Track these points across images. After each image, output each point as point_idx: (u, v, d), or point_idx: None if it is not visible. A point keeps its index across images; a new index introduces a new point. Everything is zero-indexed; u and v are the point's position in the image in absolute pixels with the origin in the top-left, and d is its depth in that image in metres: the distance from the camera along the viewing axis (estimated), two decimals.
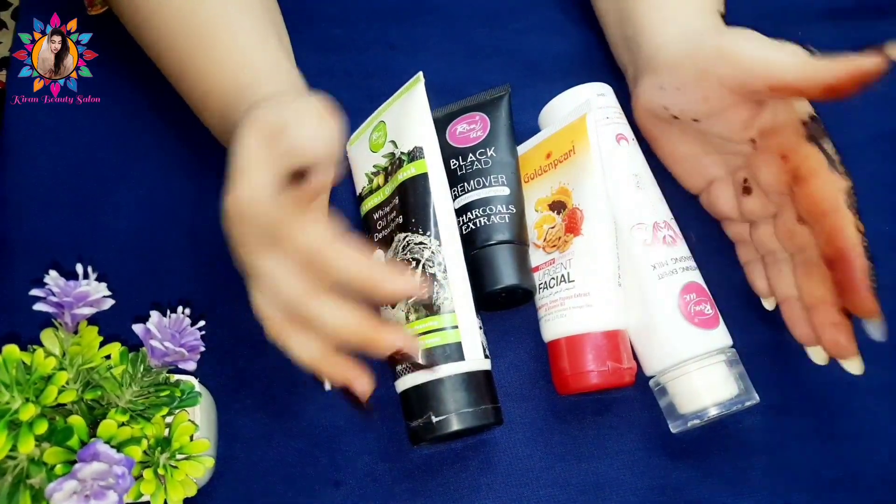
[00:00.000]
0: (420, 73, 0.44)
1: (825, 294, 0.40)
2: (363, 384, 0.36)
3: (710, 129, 0.43)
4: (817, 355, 0.41)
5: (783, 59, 0.38)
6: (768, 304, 0.45)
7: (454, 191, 0.45)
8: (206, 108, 0.46)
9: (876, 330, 0.38)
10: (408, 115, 0.44)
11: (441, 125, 0.47)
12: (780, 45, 0.39)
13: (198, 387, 0.39)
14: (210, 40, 0.45)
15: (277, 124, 0.36)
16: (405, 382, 0.40)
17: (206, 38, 0.45)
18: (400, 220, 0.42)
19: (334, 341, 0.36)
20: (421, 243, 0.41)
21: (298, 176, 0.34)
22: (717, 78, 0.41)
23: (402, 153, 0.44)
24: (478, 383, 0.40)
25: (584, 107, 0.45)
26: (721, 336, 0.41)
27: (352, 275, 0.35)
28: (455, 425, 0.39)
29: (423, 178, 0.42)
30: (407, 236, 0.42)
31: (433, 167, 0.42)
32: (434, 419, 0.39)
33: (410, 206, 0.42)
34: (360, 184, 0.47)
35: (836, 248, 0.38)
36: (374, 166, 0.46)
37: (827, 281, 0.40)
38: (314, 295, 0.36)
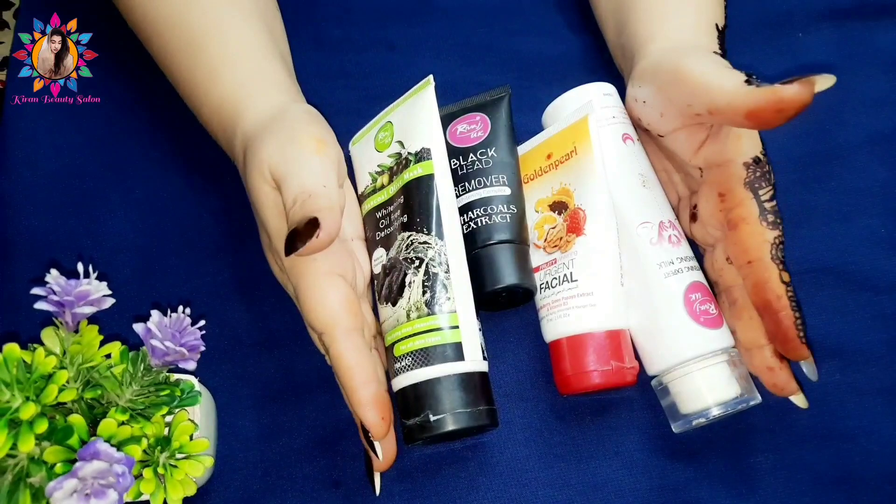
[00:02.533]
0: (430, 76, 0.44)
1: (757, 338, 0.40)
2: (378, 461, 0.39)
3: (670, 146, 0.44)
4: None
5: (719, 83, 0.37)
6: None
7: (455, 190, 0.45)
8: (201, 116, 0.47)
9: (810, 371, 0.39)
10: (416, 117, 0.44)
11: (441, 125, 0.47)
12: (725, 71, 0.38)
13: (198, 386, 0.39)
14: (200, 45, 0.45)
15: (277, 177, 0.39)
16: (402, 380, 0.40)
17: (196, 41, 0.45)
18: (404, 219, 0.42)
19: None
20: (425, 243, 0.41)
21: (301, 232, 0.36)
22: (669, 95, 0.41)
23: (409, 153, 0.44)
24: (476, 384, 0.40)
25: (586, 108, 0.45)
26: (724, 336, 0.41)
27: (338, 376, 0.39)
28: (452, 425, 0.39)
29: (430, 178, 0.42)
30: (411, 235, 0.42)
31: (440, 168, 0.42)
32: (432, 418, 0.39)
33: (416, 205, 0.42)
34: (363, 183, 0.47)
35: (763, 300, 0.39)
36: (379, 166, 0.46)
37: (757, 324, 0.40)
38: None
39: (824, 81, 0.34)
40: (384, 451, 0.39)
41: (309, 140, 0.40)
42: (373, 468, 0.40)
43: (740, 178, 0.40)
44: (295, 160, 0.39)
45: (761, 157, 0.40)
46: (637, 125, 0.47)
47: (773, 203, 0.39)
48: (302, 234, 0.36)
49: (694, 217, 0.44)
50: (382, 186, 0.45)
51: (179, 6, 0.46)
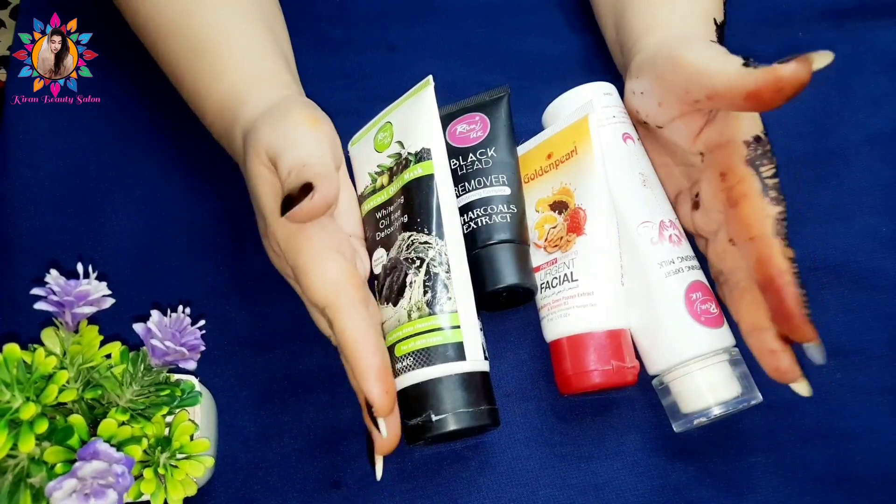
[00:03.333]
0: (430, 77, 0.44)
1: (760, 320, 0.39)
2: (382, 441, 0.38)
3: (669, 137, 0.44)
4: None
5: (718, 68, 0.37)
6: None
7: (455, 190, 0.45)
8: (204, 114, 0.47)
9: (816, 353, 0.38)
10: (416, 117, 0.44)
11: (441, 125, 0.47)
12: (722, 56, 0.38)
13: (198, 386, 0.39)
14: (204, 44, 0.45)
15: (272, 154, 0.39)
16: (404, 381, 0.40)
17: (201, 44, 0.45)
18: (405, 219, 0.42)
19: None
20: (426, 243, 0.41)
21: (295, 197, 0.36)
22: (667, 84, 0.41)
23: (408, 154, 0.44)
24: (478, 384, 0.40)
25: (586, 107, 0.45)
26: (725, 335, 0.41)
27: (342, 349, 0.38)
28: (454, 424, 0.39)
29: (430, 178, 0.42)
30: (411, 235, 0.42)
31: (440, 168, 0.42)
32: (434, 418, 0.39)
33: (416, 205, 0.42)
34: (362, 183, 0.47)
35: (766, 276, 0.37)
36: (379, 166, 0.46)
37: (761, 306, 0.39)
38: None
39: (822, 59, 0.34)
40: (388, 430, 0.38)
41: (302, 117, 0.40)
42: (374, 450, 0.39)
43: (741, 157, 0.39)
44: (288, 136, 0.39)
45: (762, 135, 0.39)
46: (635, 119, 0.47)
47: (776, 180, 0.38)
48: (297, 197, 0.36)
49: (696, 205, 0.43)
50: (382, 187, 0.45)
51: (183, 10, 0.46)
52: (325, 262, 0.38)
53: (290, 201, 0.36)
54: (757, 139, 0.39)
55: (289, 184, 0.37)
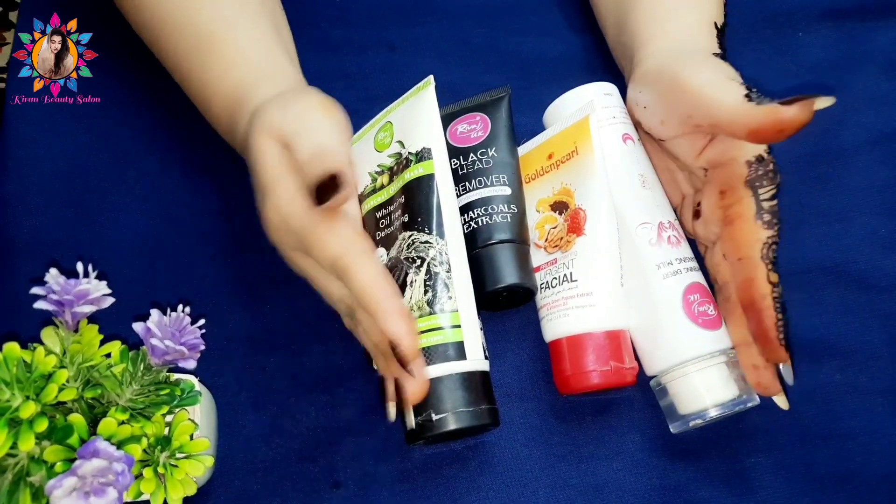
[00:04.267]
0: (431, 77, 0.44)
1: (746, 335, 0.40)
2: (413, 388, 0.38)
3: (671, 150, 0.44)
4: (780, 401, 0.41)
5: (720, 99, 0.38)
6: None
7: (455, 190, 0.45)
8: (210, 108, 0.46)
9: (787, 374, 0.39)
10: (417, 117, 0.44)
11: (441, 125, 0.47)
12: (726, 84, 0.38)
13: (198, 386, 0.39)
14: (211, 41, 0.45)
15: (286, 133, 0.39)
16: None
17: (207, 38, 0.45)
18: (405, 218, 0.42)
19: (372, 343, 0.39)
20: (426, 242, 0.41)
21: (324, 186, 0.36)
22: (669, 105, 0.41)
23: (409, 153, 0.44)
24: (479, 383, 0.40)
25: (587, 108, 0.45)
26: (723, 337, 0.41)
27: (359, 297, 0.37)
28: (455, 424, 0.39)
29: (430, 178, 0.42)
30: (412, 235, 0.42)
31: (441, 168, 0.42)
32: (434, 417, 0.39)
33: (417, 205, 0.42)
34: (362, 183, 0.47)
35: (749, 297, 0.39)
36: (379, 166, 0.46)
37: (745, 323, 0.40)
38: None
39: (824, 102, 0.35)
40: (417, 374, 0.37)
41: (316, 102, 0.40)
42: (394, 401, 0.39)
43: (741, 176, 0.40)
44: (304, 119, 0.39)
45: (765, 155, 0.40)
46: (637, 127, 0.47)
47: (773, 203, 0.39)
48: (327, 187, 0.36)
49: (697, 214, 0.43)
50: (382, 186, 0.45)
51: (187, 8, 0.46)
52: (335, 221, 0.38)
53: (323, 189, 0.36)
54: (759, 159, 0.39)
55: (314, 172, 0.37)
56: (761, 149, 0.40)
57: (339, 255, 0.37)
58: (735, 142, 0.40)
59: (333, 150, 0.38)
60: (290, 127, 0.39)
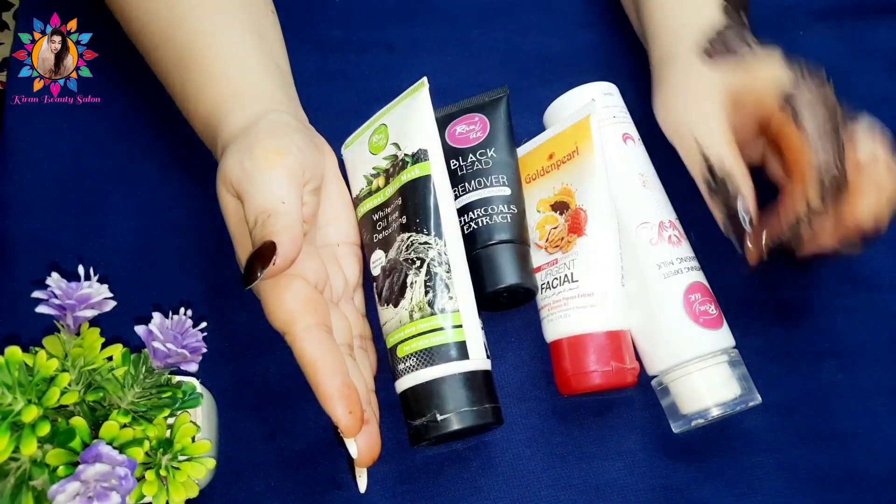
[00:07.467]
0: (424, 78, 0.44)
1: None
2: (358, 459, 0.38)
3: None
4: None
5: (709, 145, 0.43)
6: None
7: (455, 191, 0.45)
8: (193, 124, 0.47)
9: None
10: (412, 118, 0.44)
11: (440, 126, 0.47)
12: (706, 125, 0.43)
13: (199, 388, 0.39)
14: (191, 56, 0.45)
15: (240, 190, 0.39)
16: (407, 381, 0.40)
17: (187, 53, 0.45)
18: (403, 220, 0.42)
19: None
20: (426, 243, 0.41)
21: (260, 255, 0.37)
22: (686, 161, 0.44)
23: (405, 155, 0.44)
24: (481, 382, 0.40)
25: (588, 108, 0.45)
26: (724, 336, 0.41)
27: (303, 370, 0.38)
28: (460, 423, 0.39)
29: (427, 179, 0.42)
30: (411, 236, 0.42)
31: (437, 169, 0.42)
32: (438, 417, 0.39)
33: (414, 206, 0.42)
34: (357, 186, 0.47)
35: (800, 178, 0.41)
36: (374, 168, 0.46)
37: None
38: None
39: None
40: (361, 448, 0.38)
41: (265, 153, 0.39)
42: (354, 466, 0.39)
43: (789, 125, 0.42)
44: (251, 176, 0.39)
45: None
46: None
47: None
48: (262, 257, 0.36)
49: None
50: (379, 188, 0.45)
51: (173, 20, 0.46)
52: (283, 290, 0.38)
53: (255, 260, 0.37)
54: (787, 98, 0.42)
55: (254, 238, 0.37)
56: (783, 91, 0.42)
57: (283, 329, 0.38)
58: (762, 104, 0.43)
59: (276, 211, 0.37)
60: (242, 185, 0.39)
